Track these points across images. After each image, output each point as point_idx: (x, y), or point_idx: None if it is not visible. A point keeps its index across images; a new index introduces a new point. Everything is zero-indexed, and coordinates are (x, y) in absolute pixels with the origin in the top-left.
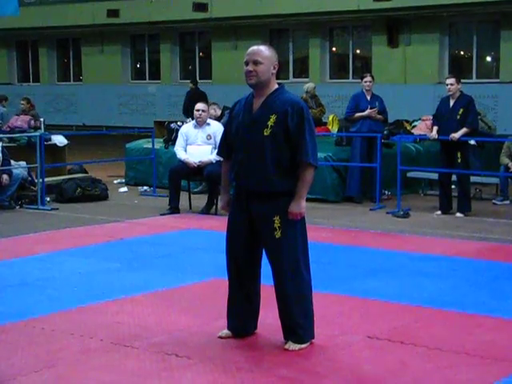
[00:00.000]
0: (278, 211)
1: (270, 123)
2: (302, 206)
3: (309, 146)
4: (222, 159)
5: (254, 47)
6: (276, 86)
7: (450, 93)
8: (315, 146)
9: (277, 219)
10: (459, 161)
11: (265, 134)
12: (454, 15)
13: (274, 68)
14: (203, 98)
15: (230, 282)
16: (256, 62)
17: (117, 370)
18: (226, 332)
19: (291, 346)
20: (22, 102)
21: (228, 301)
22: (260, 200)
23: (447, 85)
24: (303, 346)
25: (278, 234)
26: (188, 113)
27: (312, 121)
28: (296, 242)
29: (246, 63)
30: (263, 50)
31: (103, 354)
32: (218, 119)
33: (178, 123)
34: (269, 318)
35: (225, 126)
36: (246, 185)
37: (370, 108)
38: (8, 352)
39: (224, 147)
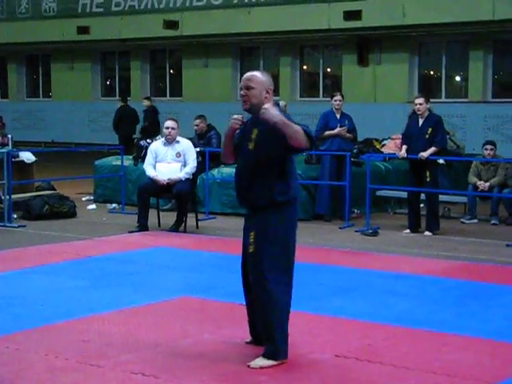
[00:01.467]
0: (254, 227)
1: (253, 136)
2: (275, 116)
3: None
4: (190, 177)
5: (249, 73)
6: None
7: (419, 112)
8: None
9: (252, 234)
10: (428, 180)
11: (249, 147)
12: (423, 35)
13: (268, 92)
14: (134, 114)
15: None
16: (248, 88)
17: None
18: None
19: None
20: None
21: None
22: (251, 211)
23: (416, 104)
24: (268, 362)
25: (251, 249)
26: (118, 130)
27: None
28: (264, 257)
29: (241, 88)
30: (257, 76)
31: (69, 373)
32: (205, 133)
33: (148, 140)
34: (239, 334)
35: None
36: (240, 194)
37: (340, 126)
38: None
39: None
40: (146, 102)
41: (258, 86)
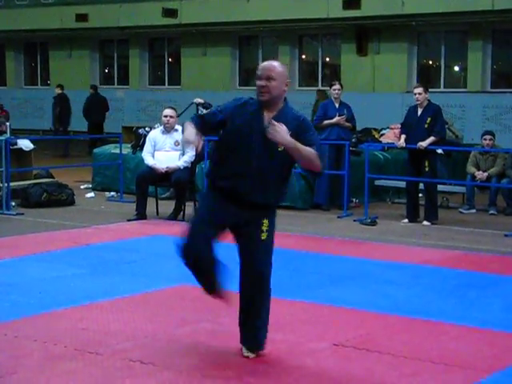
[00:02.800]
0: (267, 216)
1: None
2: (288, 140)
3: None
4: (189, 166)
5: (268, 62)
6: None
7: (418, 102)
8: (323, 155)
9: (265, 222)
10: (426, 169)
11: (279, 149)
12: (422, 25)
13: (286, 85)
14: (103, 103)
15: None
16: (269, 78)
17: (80, 376)
18: None
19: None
20: None
21: None
22: (253, 208)
23: (415, 94)
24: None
25: (263, 236)
26: (87, 118)
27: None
28: (272, 248)
29: (259, 78)
30: (277, 66)
31: (67, 360)
32: None
33: (146, 129)
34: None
35: (221, 111)
36: (249, 196)
37: (339, 115)
38: None
39: (204, 125)
40: (58, 90)
41: (279, 78)
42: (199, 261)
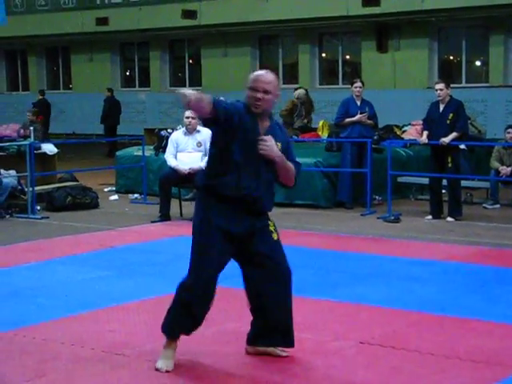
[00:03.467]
0: (268, 218)
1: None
2: (279, 154)
3: (293, 158)
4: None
5: (264, 74)
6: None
7: (440, 98)
8: (298, 169)
9: (271, 223)
10: (450, 165)
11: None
12: (442, 20)
13: (276, 97)
14: (118, 106)
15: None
16: (266, 91)
17: (108, 378)
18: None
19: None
20: (29, 113)
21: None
22: (260, 215)
23: (436, 90)
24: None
25: (275, 236)
26: (105, 121)
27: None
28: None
29: (255, 89)
30: (273, 80)
31: (94, 362)
32: None
33: (169, 130)
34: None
35: (232, 108)
36: (260, 205)
37: (360, 113)
38: None
39: (223, 109)
40: (107, 93)
41: (274, 92)
42: (204, 309)
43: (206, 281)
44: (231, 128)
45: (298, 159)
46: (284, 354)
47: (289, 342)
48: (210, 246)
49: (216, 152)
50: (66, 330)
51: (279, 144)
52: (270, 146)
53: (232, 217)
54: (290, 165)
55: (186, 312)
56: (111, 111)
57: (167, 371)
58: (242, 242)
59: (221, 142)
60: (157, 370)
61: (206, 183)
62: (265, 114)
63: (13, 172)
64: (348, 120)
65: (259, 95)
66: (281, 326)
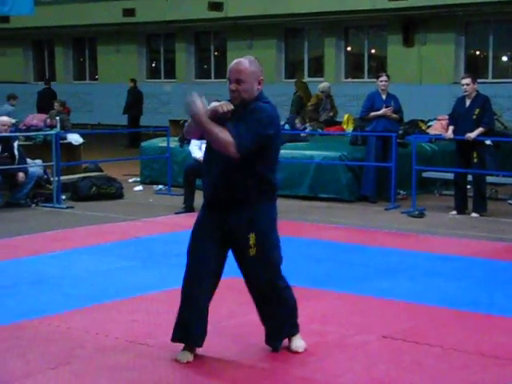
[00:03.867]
0: (252, 228)
1: None
2: (199, 112)
3: (241, 127)
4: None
5: (236, 63)
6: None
7: (466, 93)
8: (248, 135)
9: (252, 236)
10: (475, 161)
11: None
12: (470, 14)
13: (259, 83)
14: (141, 96)
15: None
16: (238, 81)
17: (132, 367)
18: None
19: (295, 343)
20: (56, 104)
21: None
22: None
23: (463, 85)
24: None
25: (252, 252)
26: (128, 111)
27: (263, 123)
28: (266, 258)
29: (229, 81)
30: (246, 67)
31: (118, 352)
32: None
33: None
34: None
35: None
36: (217, 194)
37: (386, 107)
38: (23, 349)
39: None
40: (131, 84)
41: (248, 79)
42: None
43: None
44: None
45: (322, 152)
46: (300, 349)
47: (278, 341)
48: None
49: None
50: (90, 319)
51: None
52: (194, 100)
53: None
54: (217, 128)
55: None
56: (134, 102)
57: (188, 362)
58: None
59: None
60: (177, 361)
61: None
62: (246, 104)
63: (39, 161)
64: (373, 114)
65: (232, 86)
66: (268, 324)
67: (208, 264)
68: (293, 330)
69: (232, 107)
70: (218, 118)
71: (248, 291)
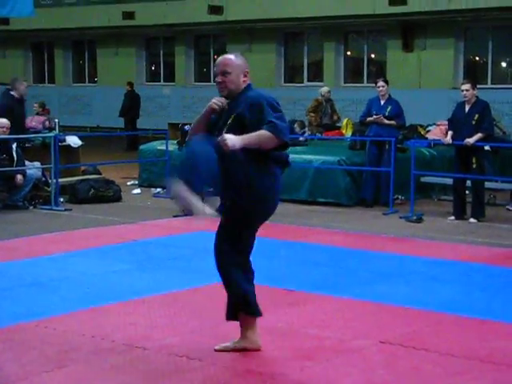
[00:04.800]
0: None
1: (229, 122)
2: (234, 141)
3: (277, 122)
4: None
5: (223, 57)
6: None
7: (466, 98)
8: (284, 125)
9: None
10: (474, 166)
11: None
12: (469, 20)
13: (245, 75)
14: (138, 99)
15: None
16: (224, 73)
17: (128, 371)
18: None
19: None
20: (35, 105)
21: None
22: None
23: (463, 90)
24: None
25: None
26: (126, 114)
27: (277, 110)
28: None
29: (216, 74)
30: (232, 60)
31: (114, 355)
32: None
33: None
34: (282, 318)
35: None
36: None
37: (375, 114)
38: (19, 352)
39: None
40: (127, 87)
41: (234, 71)
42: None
43: None
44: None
45: (321, 156)
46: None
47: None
48: None
49: None
50: (86, 322)
51: (232, 116)
52: (226, 139)
53: None
54: (257, 134)
55: None
56: (131, 105)
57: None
58: None
59: None
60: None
61: None
62: (234, 96)
63: (37, 163)
64: (368, 119)
65: (219, 78)
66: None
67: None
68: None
69: (224, 100)
70: (216, 113)
71: None
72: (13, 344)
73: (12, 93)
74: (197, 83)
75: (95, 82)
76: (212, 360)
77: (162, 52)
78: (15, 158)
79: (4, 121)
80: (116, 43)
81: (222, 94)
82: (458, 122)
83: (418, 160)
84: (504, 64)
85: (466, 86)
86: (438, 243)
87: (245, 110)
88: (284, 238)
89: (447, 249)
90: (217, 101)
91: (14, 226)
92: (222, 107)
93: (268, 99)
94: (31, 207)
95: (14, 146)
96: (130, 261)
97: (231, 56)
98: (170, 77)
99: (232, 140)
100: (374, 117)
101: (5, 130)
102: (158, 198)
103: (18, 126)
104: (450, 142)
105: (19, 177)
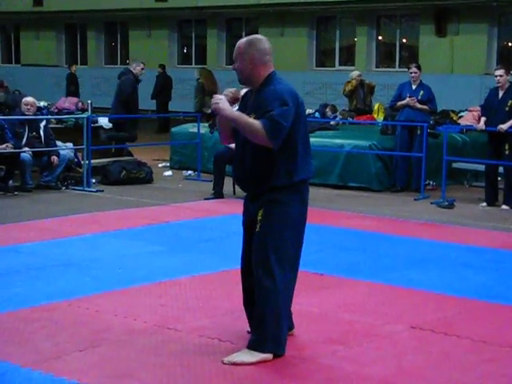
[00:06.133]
0: (263, 205)
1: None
2: (225, 109)
3: (278, 120)
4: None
5: (238, 42)
6: (265, 76)
7: (499, 84)
8: (284, 125)
9: (260, 212)
10: (507, 152)
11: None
12: (503, 5)
13: (252, 63)
14: (170, 82)
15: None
16: (236, 60)
17: (160, 352)
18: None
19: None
20: None
21: None
22: (252, 197)
23: (496, 76)
24: (248, 357)
25: (257, 228)
26: (157, 97)
27: (285, 104)
28: (270, 239)
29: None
30: (240, 46)
31: (147, 335)
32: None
33: None
34: (313, 301)
35: None
36: (240, 181)
37: (409, 97)
38: (53, 331)
39: None
40: (159, 69)
41: (240, 58)
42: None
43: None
44: None
45: (352, 140)
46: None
47: (252, 340)
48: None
49: None
50: (118, 303)
51: (252, 114)
52: (218, 101)
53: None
54: (249, 121)
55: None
56: (163, 88)
57: None
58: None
59: None
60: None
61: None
62: (251, 83)
63: (70, 144)
64: (399, 103)
65: (233, 66)
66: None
67: None
68: (252, 343)
69: (230, 92)
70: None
71: None
72: (46, 323)
73: (134, 72)
74: (228, 66)
75: (127, 63)
76: (244, 343)
77: (193, 35)
78: (43, 137)
79: (29, 99)
80: (148, 25)
81: (240, 83)
82: (491, 108)
83: (449, 146)
84: None
85: (500, 72)
86: (470, 229)
87: (257, 111)
88: (314, 222)
89: (479, 235)
90: (217, 99)
91: (46, 205)
92: (232, 99)
93: (281, 95)
94: (63, 188)
95: (42, 124)
96: (161, 242)
97: (242, 41)
98: (201, 60)
99: (224, 105)
100: (408, 99)
101: (29, 107)
102: (190, 180)
103: (133, 105)
104: (483, 127)
105: (55, 158)
